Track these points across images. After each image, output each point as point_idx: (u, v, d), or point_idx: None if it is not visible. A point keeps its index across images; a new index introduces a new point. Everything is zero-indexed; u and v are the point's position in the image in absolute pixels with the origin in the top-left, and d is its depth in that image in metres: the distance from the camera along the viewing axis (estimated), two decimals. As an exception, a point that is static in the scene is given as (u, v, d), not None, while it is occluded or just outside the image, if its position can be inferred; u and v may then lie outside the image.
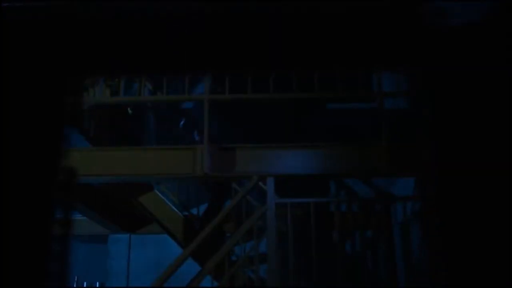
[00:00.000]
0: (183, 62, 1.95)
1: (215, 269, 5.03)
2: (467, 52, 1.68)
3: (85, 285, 8.10)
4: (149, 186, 5.93)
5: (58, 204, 1.73)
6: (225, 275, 5.04)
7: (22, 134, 1.69)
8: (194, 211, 6.69)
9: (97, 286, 8.20)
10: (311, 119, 5.58)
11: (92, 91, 5.50)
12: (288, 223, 5.21)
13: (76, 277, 7.96)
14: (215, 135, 5.24)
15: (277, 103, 5.30)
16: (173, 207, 6.21)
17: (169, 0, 1.70)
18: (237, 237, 5.11)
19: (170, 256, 6.33)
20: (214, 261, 5.02)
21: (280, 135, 5.54)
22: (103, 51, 1.72)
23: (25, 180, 1.67)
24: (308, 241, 5.13)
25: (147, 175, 5.20)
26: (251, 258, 5.33)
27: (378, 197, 6.15)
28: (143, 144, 6.15)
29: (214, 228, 5.15)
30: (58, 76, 1.72)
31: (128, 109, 5.95)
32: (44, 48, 1.68)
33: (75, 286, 7.81)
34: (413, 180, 5.67)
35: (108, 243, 7.91)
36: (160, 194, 6.07)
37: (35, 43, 1.66)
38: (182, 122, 6.19)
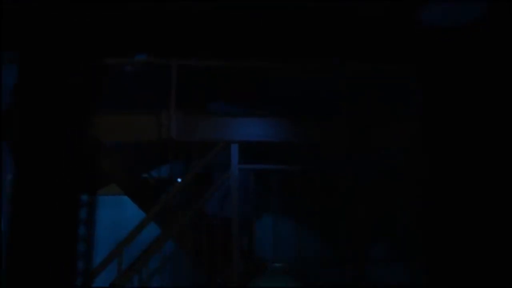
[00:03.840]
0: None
1: (178, 234, 5.11)
2: (461, 52, 1.79)
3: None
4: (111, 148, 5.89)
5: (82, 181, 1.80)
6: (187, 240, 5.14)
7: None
8: (155, 173, 6.69)
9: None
10: (280, 89, 5.65)
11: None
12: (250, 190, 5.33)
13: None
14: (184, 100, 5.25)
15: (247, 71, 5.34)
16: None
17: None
18: (200, 203, 5.19)
19: (128, 218, 6.36)
20: (177, 226, 5.10)
21: (247, 103, 5.59)
22: (120, 37, 1.80)
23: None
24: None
25: (113, 140, 5.17)
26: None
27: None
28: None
29: (178, 192, 5.21)
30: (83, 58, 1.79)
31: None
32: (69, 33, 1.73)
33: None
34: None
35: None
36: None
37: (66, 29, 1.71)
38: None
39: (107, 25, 1.94)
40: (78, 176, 1.89)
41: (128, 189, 6.13)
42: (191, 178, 5.24)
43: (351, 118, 5.24)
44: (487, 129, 3.27)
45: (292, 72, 5.41)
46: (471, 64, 1.96)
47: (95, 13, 1.92)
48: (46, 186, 1.87)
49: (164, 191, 5.58)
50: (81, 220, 1.78)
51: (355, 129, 5.19)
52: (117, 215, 7.48)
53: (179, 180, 5.65)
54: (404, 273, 4.96)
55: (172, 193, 5.13)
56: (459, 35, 1.93)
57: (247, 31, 2.17)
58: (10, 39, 1.89)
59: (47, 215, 1.86)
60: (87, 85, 1.93)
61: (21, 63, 1.83)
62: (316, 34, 2.14)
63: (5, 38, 1.89)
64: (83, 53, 1.90)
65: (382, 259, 5.56)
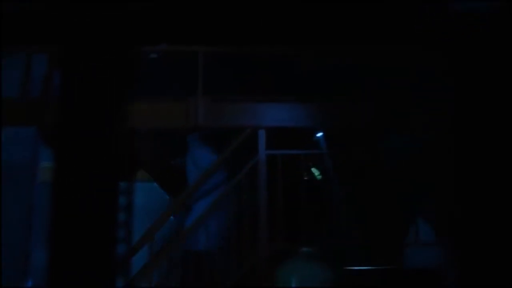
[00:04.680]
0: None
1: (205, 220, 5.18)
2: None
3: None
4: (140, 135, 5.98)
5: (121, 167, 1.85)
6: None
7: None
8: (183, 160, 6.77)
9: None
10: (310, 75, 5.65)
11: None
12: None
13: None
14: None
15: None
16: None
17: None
18: (230, 187, 5.25)
19: (157, 204, 6.46)
20: (209, 210, 5.17)
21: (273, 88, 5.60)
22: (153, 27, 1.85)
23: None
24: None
25: (141, 126, 5.24)
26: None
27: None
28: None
29: (205, 178, 5.27)
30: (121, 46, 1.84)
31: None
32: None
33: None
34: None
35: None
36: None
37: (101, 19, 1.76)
38: None
39: (137, 13, 1.97)
40: (117, 163, 1.94)
41: (157, 176, 6.23)
42: (219, 164, 5.29)
43: (379, 102, 5.22)
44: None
45: (318, 56, 5.40)
46: (505, 48, 1.96)
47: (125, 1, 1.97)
48: (87, 173, 1.92)
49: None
50: (121, 207, 1.83)
51: (383, 113, 5.18)
52: (146, 201, 7.59)
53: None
54: (439, 256, 4.94)
55: (200, 178, 5.19)
56: (493, 19, 1.93)
57: (271, 16, 2.19)
58: (45, 31, 1.94)
59: (88, 202, 1.91)
60: (123, 73, 1.98)
61: (60, 54, 1.88)
62: (341, 17, 2.15)
63: (38, 30, 1.94)
64: (118, 41, 1.94)
65: (417, 242, 5.53)
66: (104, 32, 1.98)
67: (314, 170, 5.78)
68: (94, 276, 1.90)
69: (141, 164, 5.83)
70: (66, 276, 1.93)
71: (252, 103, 5.30)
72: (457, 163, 2.22)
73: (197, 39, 2.58)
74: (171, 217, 5.37)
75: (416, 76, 5.03)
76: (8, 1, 1.80)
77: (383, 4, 2.37)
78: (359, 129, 5.34)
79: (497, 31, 2.14)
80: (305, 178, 5.73)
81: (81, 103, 1.97)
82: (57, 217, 1.95)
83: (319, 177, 5.79)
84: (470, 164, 2.15)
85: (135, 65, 2.11)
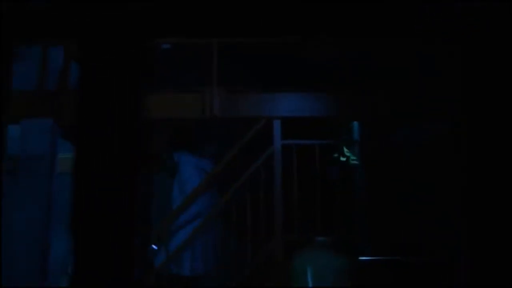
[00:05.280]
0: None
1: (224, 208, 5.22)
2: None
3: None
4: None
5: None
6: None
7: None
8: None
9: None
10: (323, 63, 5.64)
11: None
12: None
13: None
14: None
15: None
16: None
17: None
18: (245, 177, 5.27)
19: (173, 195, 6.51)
20: (224, 198, 5.21)
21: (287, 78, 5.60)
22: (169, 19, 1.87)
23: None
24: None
25: (157, 118, 5.26)
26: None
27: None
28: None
29: (224, 167, 5.31)
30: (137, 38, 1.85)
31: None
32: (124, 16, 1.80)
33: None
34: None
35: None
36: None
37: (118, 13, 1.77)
38: None
39: (152, 5, 1.99)
40: (137, 154, 1.96)
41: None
42: (235, 153, 5.32)
43: (393, 90, 5.20)
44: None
45: (333, 46, 5.38)
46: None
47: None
48: (107, 164, 1.94)
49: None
50: (140, 198, 1.85)
51: (397, 101, 5.16)
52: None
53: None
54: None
55: (217, 168, 5.22)
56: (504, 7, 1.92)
57: (285, 7, 2.19)
58: (62, 26, 1.96)
59: (109, 193, 1.94)
60: (139, 65, 1.99)
61: (78, 49, 1.90)
62: (353, 7, 2.14)
63: (56, 25, 1.96)
64: (133, 34, 1.95)
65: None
66: (119, 25, 1.99)
67: (348, 153, 5.76)
68: (115, 265, 1.93)
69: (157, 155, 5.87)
70: (89, 266, 1.96)
71: (267, 94, 5.31)
72: (469, 156, 2.21)
73: (211, 31, 2.58)
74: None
75: (430, 64, 5.01)
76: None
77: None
78: (375, 119, 5.33)
79: (505, 23, 2.13)
80: (342, 159, 5.73)
81: (100, 95, 1.99)
82: (78, 207, 1.98)
83: (354, 161, 5.77)
84: (481, 157, 2.14)
85: (151, 57, 2.13)
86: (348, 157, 5.78)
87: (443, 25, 2.21)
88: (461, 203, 2.24)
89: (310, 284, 4.88)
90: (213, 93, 5.21)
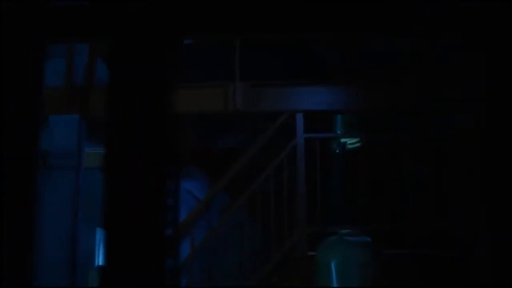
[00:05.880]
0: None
1: (247, 202, 5.25)
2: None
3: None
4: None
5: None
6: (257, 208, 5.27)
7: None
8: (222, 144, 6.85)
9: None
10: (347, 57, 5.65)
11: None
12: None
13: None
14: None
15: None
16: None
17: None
18: (269, 171, 5.30)
19: (196, 188, 6.56)
20: (247, 193, 5.24)
21: (311, 72, 5.62)
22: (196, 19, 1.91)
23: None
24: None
25: (182, 111, 5.31)
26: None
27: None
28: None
29: (246, 162, 5.34)
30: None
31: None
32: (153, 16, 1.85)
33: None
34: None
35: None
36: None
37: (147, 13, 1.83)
38: None
39: (178, 3, 2.03)
40: (165, 149, 2.01)
41: (197, 160, 6.32)
42: (258, 147, 5.35)
43: (419, 81, 5.18)
44: None
45: (355, 39, 5.38)
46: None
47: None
48: (136, 159, 1.99)
49: (232, 160, 5.71)
50: (169, 192, 1.90)
51: (423, 92, 5.14)
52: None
53: None
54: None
55: (241, 161, 5.26)
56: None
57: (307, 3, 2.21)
58: (92, 25, 2.01)
59: (138, 187, 1.99)
60: (166, 61, 2.04)
61: (108, 47, 1.95)
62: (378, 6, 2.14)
63: (86, 24, 2.01)
64: (160, 31, 1.99)
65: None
66: (148, 23, 2.03)
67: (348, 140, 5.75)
68: (146, 257, 1.98)
69: (184, 148, 5.92)
70: (120, 258, 2.01)
71: (290, 87, 5.33)
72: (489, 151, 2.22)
73: (236, 28, 2.62)
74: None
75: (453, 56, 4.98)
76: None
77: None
78: (398, 111, 5.32)
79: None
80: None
81: (129, 91, 2.03)
82: (109, 201, 2.03)
83: (353, 145, 5.75)
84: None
85: (177, 53, 2.17)
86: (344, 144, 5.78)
87: (466, 27, 2.23)
88: (482, 196, 2.25)
89: (334, 277, 4.89)
90: (235, 87, 5.25)
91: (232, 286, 5.57)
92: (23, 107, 1.81)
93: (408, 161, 5.64)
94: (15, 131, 1.79)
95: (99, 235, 5.90)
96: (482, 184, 2.32)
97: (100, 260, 6.08)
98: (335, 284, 4.84)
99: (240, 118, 5.58)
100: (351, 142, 5.79)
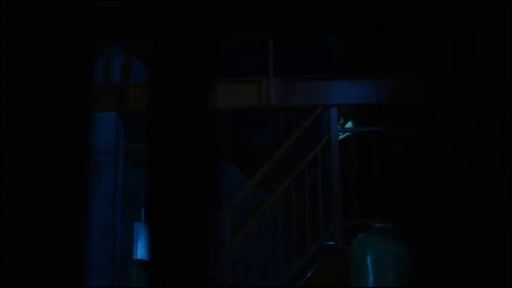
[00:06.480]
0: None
1: (282, 197, 5.30)
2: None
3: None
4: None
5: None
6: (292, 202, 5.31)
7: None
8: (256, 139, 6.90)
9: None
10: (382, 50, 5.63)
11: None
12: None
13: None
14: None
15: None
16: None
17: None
18: (303, 165, 5.33)
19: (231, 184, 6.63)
20: (281, 189, 5.28)
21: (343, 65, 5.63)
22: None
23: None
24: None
25: (217, 107, 5.37)
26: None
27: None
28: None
29: (280, 157, 5.38)
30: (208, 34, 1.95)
31: None
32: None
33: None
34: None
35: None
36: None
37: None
38: None
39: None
40: (206, 144, 2.06)
41: (232, 155, 6.39)
42: (293, 142, 5.38)
43: (458, 75, 5.14)
44: None
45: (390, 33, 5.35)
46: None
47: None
48: (179, 154, 2.05)
49: (266, 155, 5.76)
50: (210, 188, 1.94)
51: (455, 88, 5.10)
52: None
53: None
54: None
55: (276, 156, 5.31)
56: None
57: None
58: (134, 26, 2.07)
59: (181, 182, 2.04)
60: (206, 58, 2.09)
61: (149, 48, 2.00)
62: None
63: (128, 26, 2.07)
64: (205, 29, 2.04)
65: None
66: (189, 21, 2.08)
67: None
68: (190, 249, 2.04)
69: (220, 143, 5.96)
70: (165, 252, 2.07)
71: (323, 81, 5.35)
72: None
73: (271, 26, 2.65)
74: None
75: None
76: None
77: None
78: (433, 104, 5.29)
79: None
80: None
81: (171, 89, 2.09)
82: (152, 197, 2.09)
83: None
84: None
85: (216, 50, 2.22)
86: None
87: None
88: None
89: (370, 269, 4.90)
90: (269, 82, 5.29)
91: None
92: (75, 106, 1.89)
93: (441, 153, 5.61)
94: (68, 130, 1.87)
95: (137, 230, 6.03)
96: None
97: (137, 254, 6.21)
98: (371, 277, 4.85)
99: (274, 113, 5.62)
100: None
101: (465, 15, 2.29)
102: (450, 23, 2.40)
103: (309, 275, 5.29)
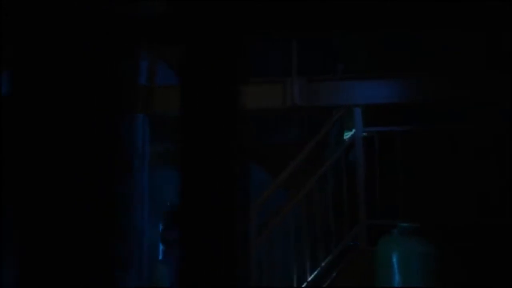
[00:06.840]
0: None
1: (306, 197, 5.30)
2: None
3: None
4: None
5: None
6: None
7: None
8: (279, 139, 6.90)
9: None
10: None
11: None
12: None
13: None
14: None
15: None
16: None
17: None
18: (327, 166, 5.33)
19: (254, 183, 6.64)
20: (306, 189, 5.29)
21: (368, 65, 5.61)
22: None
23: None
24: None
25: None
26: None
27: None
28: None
29: (304, 157, 5.39)
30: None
31: None
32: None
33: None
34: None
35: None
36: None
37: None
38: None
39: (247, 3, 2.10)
40: (237, 145, 2.09)
41: (256, 155, 6.40)
42: (317, 142, 5.39)
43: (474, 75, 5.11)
44: None
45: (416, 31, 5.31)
46: None
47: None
48: (210, 157, 2.08)
49: (288, 155, 5.76)
50: (240, 188, 1.97)
51: (477, 86, 5.07)
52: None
53: None
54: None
55: (300, 156, 5.32)
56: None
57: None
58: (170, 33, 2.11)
59: (212, 183, 2.07)
60: (235, 60, 2.12)
61: (186, 47, 2.04)
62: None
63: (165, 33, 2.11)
64: (235, 30, 2.07)
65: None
66: (220, 23, 2.10)
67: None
68: (220, 250, 2.06)
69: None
70: (196, 253, 2.10)
71: (347, 81, 5.34)
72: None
73: (296, 27, 2.66)
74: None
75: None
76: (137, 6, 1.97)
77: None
78: (459, 103, 5.26)
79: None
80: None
81: (201, 91, 2.12)
82: (184, 198, 2.12)
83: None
84: None
85: (245, 52, 2.25)
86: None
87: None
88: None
89: (396, 269, 4.89)
90: (293, 83, 5.30)
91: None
92: (113, 106, 1.94)
93: (466, 153, 5.56)
94: (103, 130, 1.91)
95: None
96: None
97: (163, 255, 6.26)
98: (397, 277, 4.84)
99: (297, 113, 5.63)
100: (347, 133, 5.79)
101: (466, 15, 2.28)
102: (452, 22, 2.40)
103: (334, 275, 5.28)
